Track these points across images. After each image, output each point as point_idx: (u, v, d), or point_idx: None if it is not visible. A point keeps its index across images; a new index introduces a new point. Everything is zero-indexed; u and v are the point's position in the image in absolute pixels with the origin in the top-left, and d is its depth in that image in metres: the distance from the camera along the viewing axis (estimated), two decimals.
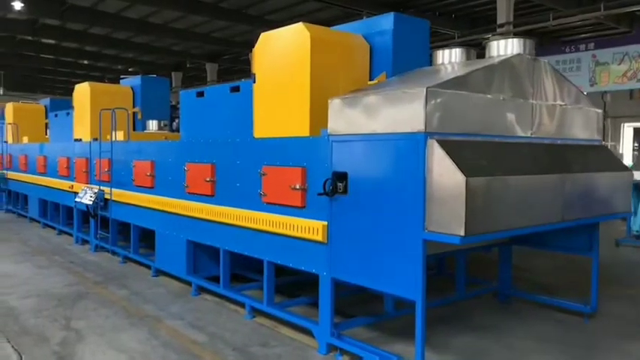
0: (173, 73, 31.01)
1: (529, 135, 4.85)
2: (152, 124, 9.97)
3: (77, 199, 8.90)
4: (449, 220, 3.84)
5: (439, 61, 5.25)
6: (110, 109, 8.42)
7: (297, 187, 4.97)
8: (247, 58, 27.63)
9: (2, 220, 12.91)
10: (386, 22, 5.47)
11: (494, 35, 15.26)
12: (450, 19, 19.06)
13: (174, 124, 11.21)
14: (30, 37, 24.98)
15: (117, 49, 27.45)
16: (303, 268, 5.07)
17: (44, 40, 26.36)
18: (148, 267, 7.68)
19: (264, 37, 5.58)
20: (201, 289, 6.63)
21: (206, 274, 6.79)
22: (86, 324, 5.54)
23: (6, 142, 13.47)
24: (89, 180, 9.07)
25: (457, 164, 3.81)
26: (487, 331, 5.42)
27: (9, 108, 14.08)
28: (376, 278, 4.34)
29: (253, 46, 5.76)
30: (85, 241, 9.64)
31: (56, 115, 11.67)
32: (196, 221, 6.43)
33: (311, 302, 5.87)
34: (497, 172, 4.11)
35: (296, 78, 5.15)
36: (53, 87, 37.60)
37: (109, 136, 8.71)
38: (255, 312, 5.80)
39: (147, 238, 8.07)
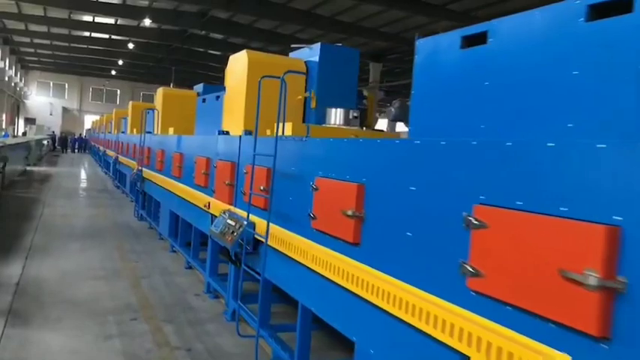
0: None
1: None
2: (336, 115, 5.68)
3: (212, 229, 4.86)
4: None
5: None
6: (272, 77, 4.18)
7: None
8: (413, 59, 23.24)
9: (131, 232, 9.18)
10: None
11: None
12: None
13: (386, 112, 6.86)
14: (199, 31, 22.81)
15: (281, 45, 24.44)
16: None
17: (212, 35, 24.18)
18: None
19: None
20: None
21: None
22: None
23: (149, 132, 10.12)
24: (234, 199, 5.00)
25: None
26: None
27: (159, 94, 10.89)
28: None
29: None
30: (219, 294, 5.60)
31: (204, 100, 7.92)
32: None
33: None
34: None
35: None
36: (221, 84, 36.35)
37: (268, 131, 4.62)
38: None
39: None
